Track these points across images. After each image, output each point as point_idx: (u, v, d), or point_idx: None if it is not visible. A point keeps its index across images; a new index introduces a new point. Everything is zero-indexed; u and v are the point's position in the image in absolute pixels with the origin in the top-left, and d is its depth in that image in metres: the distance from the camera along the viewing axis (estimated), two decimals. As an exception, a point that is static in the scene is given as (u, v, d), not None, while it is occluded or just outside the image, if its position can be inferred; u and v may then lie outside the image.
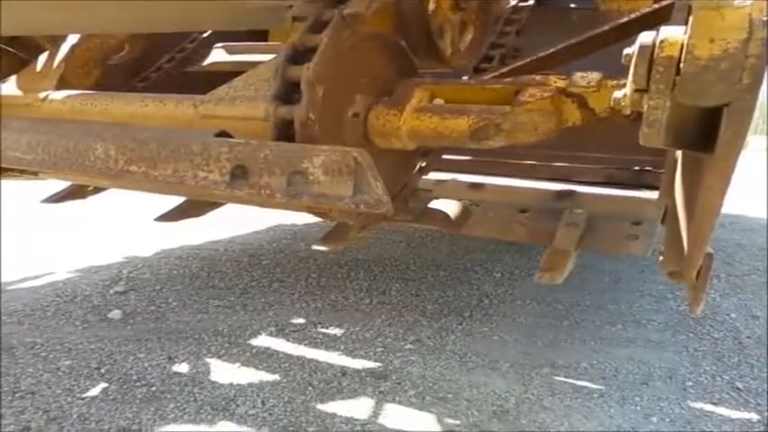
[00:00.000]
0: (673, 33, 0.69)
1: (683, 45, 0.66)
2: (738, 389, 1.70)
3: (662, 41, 0.68)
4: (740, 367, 1.85)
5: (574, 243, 1.35)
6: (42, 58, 1.76)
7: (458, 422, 1.47)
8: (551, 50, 1.45)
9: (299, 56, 1.15)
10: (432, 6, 1.61)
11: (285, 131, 1.14)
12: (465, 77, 1.82)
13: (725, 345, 2.04)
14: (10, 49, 1.91)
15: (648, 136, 0.78)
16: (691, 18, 0.67)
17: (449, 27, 1.75)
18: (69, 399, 1.50)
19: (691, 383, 1.73)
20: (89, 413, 1.44)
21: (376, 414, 1.49)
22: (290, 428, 1.41)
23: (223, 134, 1.18)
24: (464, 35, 1.88)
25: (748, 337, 2.13)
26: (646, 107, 0.74)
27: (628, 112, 0.84)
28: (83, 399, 1.50)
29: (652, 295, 2.55)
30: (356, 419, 1.46)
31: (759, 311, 2.42)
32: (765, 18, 0.62)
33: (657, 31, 0.73)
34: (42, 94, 1.63)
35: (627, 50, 0.77)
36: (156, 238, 3.04)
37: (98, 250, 2.87)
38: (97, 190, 2.16)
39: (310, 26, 1.19)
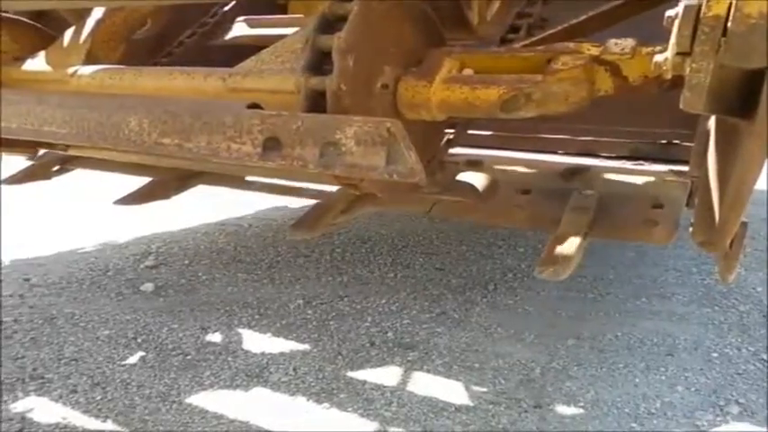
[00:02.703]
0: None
1: (731, 2, 0.66)
2: (764, 360, 1.71)
3: (708, 8, 0.68)
4: (766, 339, 1.85)
5: (582, 231, 1.28)
6: (69, 33, 1.78)
7: (485, 389, 1.50)
8: (582, 18, 1.43)
9: (330, 25, 1.15)
10: (464, -24, 1.59)
11: (316, 103, 1.15)
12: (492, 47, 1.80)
13: (750, 318, 2.04)
14: (37, 25, 1.93)
15: (690, 100, 0.77)
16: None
17: (477, -2, 1.73)
18: (110, 366, 1.56)
19: (716, 355, 1.74)
20: (130, 379, 1.49)
21: (405, 381, 1.53)
22: (323, 394, 1.46)
23: (254, 106, 1.20)
24: (491, 4, 1.86)
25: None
26: (688, 70, 0.73)
27: (669, 76, 0.83)
28: (123, 366, 1.56)
29: (677, 269, 2.54)
30: (386, 386, 1.50)
31: (787, 285, 2.40)
32: None
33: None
34: (71, 70, 1.65)
35: (669, 12, 0.77)
36: (181, 213, 3.08)
37: (125, 226, 2.92)
38: (63, 170, 2.11)
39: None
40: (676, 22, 0.73)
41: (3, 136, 1.77)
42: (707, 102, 0.77)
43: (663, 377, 1.59)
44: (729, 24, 0.66)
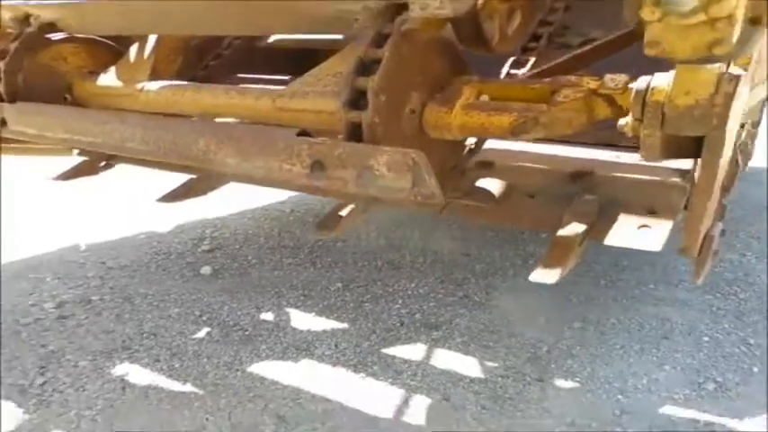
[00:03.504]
0: (660, 82, 0.91)
1: (666, 94, 0.90)
2: (749, 344, 1.95)
3: (652, 89, 0.91)
4: (757, 325, 2.08)
5: (578, 238, 1.43)
6: (134, 49, 2.07)
7: (497, 365, 1.78)
8: (583, 50, 1.65)
9: (365, 68, 1.40)
10: (481, 0, 1.81)
11: (355, 131, 1.40)
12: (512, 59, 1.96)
13: (748, 305, 2.26)
14: (107, 42, 2.22)
15: (647, 154, 1.01)
16: (673, 73, 0.90)
17: (497, 16, 1.94)
18: (183, 339, 1.90)
19: (707, 339, 1.98)
20: (200, 351, 1.83)
21: (428, 357, 1.82)
22: (359, 366, 1.76)
23: (303, 133, 1.48)
24: (512, 21, 2.06)
25: (777, 299, 2.32)
26: (642, 134, 0.97)
27: (630, 135, 1.07)
28: (193, 339, 1.90)
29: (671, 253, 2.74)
30: (412, 360, 1.80)
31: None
32: (729, 76, 0.85)
33: (652, 76, 0.96)
34: (139, 85, 1.96)
35: (631, 84, 1.00)
36: (229, 198, 3.39)
37: (180, 211, 3.25)
38: (108, 165, 2.40)
39: (373, 40, 1.43)
40: (632, 97, 0.96)
41: (87, 149, 2.11)
42: (662, 152, 1.00)
43: (654, 358, 1.85)
44: (665, 110, 0.90)
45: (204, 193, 2.30)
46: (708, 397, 1.66)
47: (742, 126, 2.07)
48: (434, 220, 3.23)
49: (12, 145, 2.24)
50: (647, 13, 0.70)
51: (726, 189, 1.86)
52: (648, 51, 0.82)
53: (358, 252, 2.74)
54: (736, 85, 0.85)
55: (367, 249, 2.77)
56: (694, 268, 1.44)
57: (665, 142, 1.00)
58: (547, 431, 1.51)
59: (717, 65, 0.86)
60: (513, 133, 1.47)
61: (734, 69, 0.89)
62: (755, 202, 3.64)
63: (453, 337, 1.95)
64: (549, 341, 1.93)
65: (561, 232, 1.54)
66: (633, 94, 0.95)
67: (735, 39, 0.70)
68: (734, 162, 1.85)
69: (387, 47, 1.40)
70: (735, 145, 1.83)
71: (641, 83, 0.95)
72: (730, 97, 0.85)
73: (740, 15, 0.68)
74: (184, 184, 2.25)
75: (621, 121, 1.11)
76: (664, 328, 2.05)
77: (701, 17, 0.64)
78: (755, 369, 1.80)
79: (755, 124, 3.28)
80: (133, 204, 3.39)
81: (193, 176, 2.25)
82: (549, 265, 1.43)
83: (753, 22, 0.75)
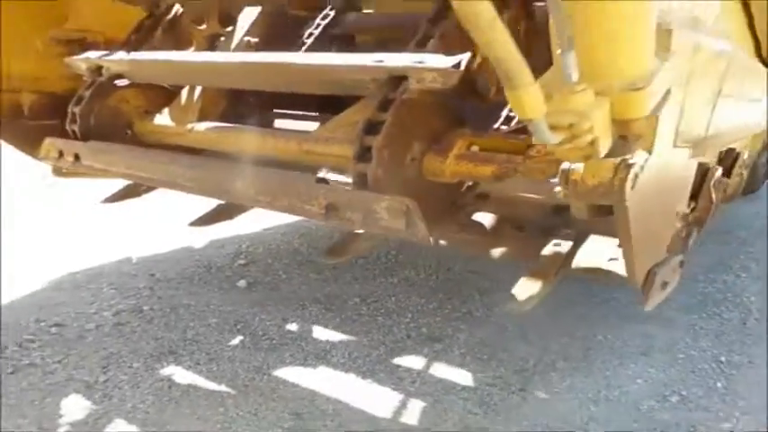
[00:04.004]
0: (578, 165, 1.19)
1: (580, 175, 1.17)
2: (720, 361, 2.18)
3: (572, 170, 1.19)
4: (733, 344, 2.31)
5: (552, 272, 1.72)
6: (184, 93, 2.44)
7: (487, 375, 2.07)
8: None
9: (371, 128, 1.70)
10: (477, 61, 2.10)
11: (362, 179, 1.71)
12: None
13: (730, 325, 2.48)
14: (163, 85, 2.58)
15: (577, 215, 1.30)
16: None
17: (492, 74, 2.23)
18: (220, 346, 2.24)
19: (682, 356, 2.22)
20: (234, 356, 2.17)
21: (428, 367, 2.12)
22: (367, 373, 2.07)
23: (321, 180, 1.80)
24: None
25: (756, 319, 2.55)
26: (570, 201, 1.25)
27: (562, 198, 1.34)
28: (228, 346, 2.24)
29: (684, 277, 2.96)
30: (414, 369, 2.10)
31: (781, 296, 2.78)
32: (625, 164, 1.12)
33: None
34: (189, 126, 2.32)
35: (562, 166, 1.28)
36: (261, 215, 3.73)
37: (219, 227, 3.61)
38: (149, 189, 2.63)
39: (379, 104, 1.73)
40: (558, 175, 1.24)
41: (145, 183, 2.48)
42: (588, 213, 1.28)
43: (630, 372, 2.10)
44: (578, 187, 1.18)
45: (231, 218, 2.66)
46: (670, 408, 1.91)
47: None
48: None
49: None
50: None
51: (699, 223, 2.11)
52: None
53: (377, 269, 3.04)
54: (628, 172, 1.12)
55: (386, 267, 3.08)
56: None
57: (590, 206, 1.28)
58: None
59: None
60: (496, 179, 1.76)
61: (636, 156, 1.16)
62: (763, 224, 3.81)
63: (452, 350, 2.24)
64: (536, 355, 2.20)
65: (537, 267, 1.82)
66: (560, 173, 1.23)
67: (603, 151, 0.98)
68: (707, 200, 2.10)
69: (390, 111, 1.70)
70: (708, 185, 2.10)
71: (565, 165, 1.23)
72: (624, 180, 1.12)
73: (602, 142, 0.95)
74: (214, 210, 2.61)
75: (556, 189, 1.38)
76: (645, 345, 2.29)
77: (569, 146, 0.92)
78: (719, 384, 2.04)
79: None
80: (176, 221, 3.78)
81: (221, 203, 2.60)
82: (523, 294, 1.71)
83: (622, 138, 1.02)
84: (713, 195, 2.10)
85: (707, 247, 3.54)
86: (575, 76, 0.88)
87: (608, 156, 1.09)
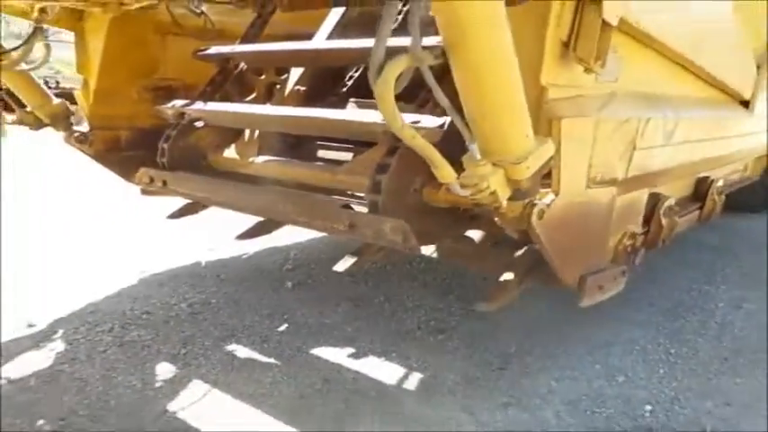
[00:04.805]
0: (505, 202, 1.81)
1: (504, 208, 1.79)
2: (670, 353, 2.73)
3: (500, 207, 1.81)
4: (685, 342, 2.85)
5: (517, 280, 2.26)
6: (247, 133, 3.16)
7: (476, 358, 2.69)
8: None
9: (382, 168, 2.35)
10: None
11: (374, 206, 2.36)
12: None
13: (690, 326, 3.01)
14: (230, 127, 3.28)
15: (516, 235, 1.92)
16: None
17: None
18: (270, 331, 2.94)
19: (638, 348, 2.78)
20: (281, 339, 2.86)
21: (431, 351, 2.75)
22: (383, 354, 2.72)
23: (346, 206, 2.48)
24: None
25: (716, 322, 3.07)
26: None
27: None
28: (277, 332, 2.94)
29: (665, 283, 3.50)
30: (419, 352, 2.74)
31: (748, 304, 3.28)
32: (531, 203, 1.74)
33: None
34: (250, 159, 3.03)
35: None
36: (301, 231, 4.46)
37: (270, 238, 4.34)
38: (205, 207, 3.31)
39: (387, 150, 2.39)
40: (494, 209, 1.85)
41: (215, 205, 3.19)
42: (518, 235, 1.90)
43: (591, 359, 2.68)
44: (504, 218, 1.80)
45: (269, 232, 3.36)
46: (615, 386, 2.48)
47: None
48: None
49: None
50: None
51: (649, 243, 2.67)
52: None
53: (401, 274, 3.70)
54: (532, 209, 1.74)
55: (409, 273, 3.73)
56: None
57: (517, 231, 1.91)
58: (496, 398, 2.39)
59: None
60: (475, 206, 2.39)
61: (546, 198, 1.77)
62: (762, 241, 4.26)
63: (452, 339, 2.87)
64: (518, 344, 2.81)
65: (506, 276, 2.41)
66: (494, 209, 1.84)
67: (503, 198, 1.60)
68: (658, 224, 2.65)
69: (395, 156, 2.35)
70: (659, 212, 2.64)
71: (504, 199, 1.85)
72: (530, 215, 1.74)
73: (500, 194, 1.58)
74: (255, 226, 3.31)
75: (495, 219, 1.99)
76: (611, 339, 2.86)
77: (477, 196, 1.55)
78: (662, 370, 2.60)
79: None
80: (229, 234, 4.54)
81: (261, 219, 3.29)
82: (491, 298, 2.31)
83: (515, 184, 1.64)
84: (662, 221, 2.65)
85: (700, 258, 4.06)
86: (478, 156, 1.53)
87: (524, 197, 1.73)
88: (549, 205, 1.81)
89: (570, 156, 1.84)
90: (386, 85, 1.39)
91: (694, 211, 3.26)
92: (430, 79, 1.45)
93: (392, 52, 1.44)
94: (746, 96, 3.43)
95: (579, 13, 1.74)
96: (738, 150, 3.71)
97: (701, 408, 2.33)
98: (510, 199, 1.69)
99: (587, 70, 1.77)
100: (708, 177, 3.35)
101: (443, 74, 1.55)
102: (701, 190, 3.34)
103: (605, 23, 1.74)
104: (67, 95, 3.50)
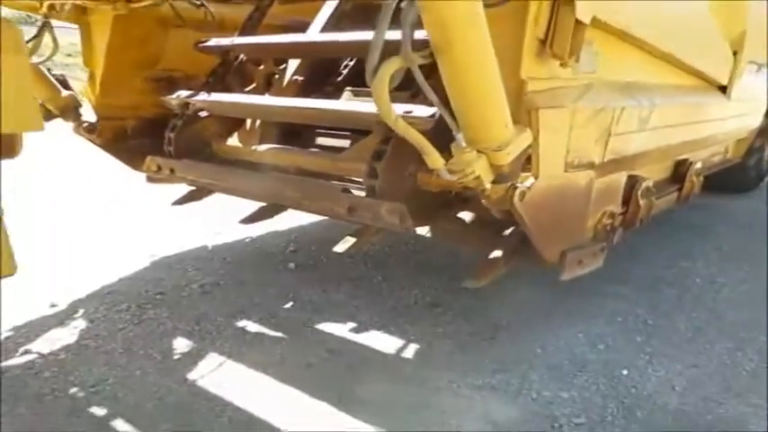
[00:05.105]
0: (489, 185, 2.03)
1: (488, 190, 2.02)
2: (648, 324, 2.99)
3: (486, 189, 2.03)
4: (663, 313, 3.10)
5: (503, 259, 2.48)
6: (248, 122, 3.37)
7: (468, 330, 2.93)
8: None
9: (378, 155, 2.57)
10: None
11: (372, 190, 2.58)
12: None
13: (668, 299, 3.28)
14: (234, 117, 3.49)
15: (497, 216, 2.15)
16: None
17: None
18: (276, 308, 3.18)
19: (620, 319, 3.04)
20: (287, 315, 3.10)
21: (427, 324, 3.00)
22: (383, 327, 2.96)
23: (345, 190, 2.70)
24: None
25: (691, 296, 3.32)
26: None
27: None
28: (283, 309, 3.18)
29: (647, 260, 3.75)
30: (416, 325, 2.99)
31: (722, 279, 3.53)
32: (513, 186, 1.97)
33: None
34: (252, 147, 3.25)
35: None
36: (302, 215, 4.68)
37: (273, 221, 4.56)
38: (209, 192, 3.53)
39: (383, 138, 2.60)
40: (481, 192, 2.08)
41: (220, 191, 3.40)
42: (502, 215, 2.13)
43: (575, 329, 2.93)
44: (488, 199, 2.02)
45: (272, 216, 3.58)
46: (596, 352, 2.73)
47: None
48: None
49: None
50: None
51: (628, 223, 2.88)
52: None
53: (398, 255, 3.94)
54: (514, 191, 1.97)
55: (406, 253, 3.97)
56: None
57: (501, 211, 2.13)
58: (486, 364, 2.63)
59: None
60: (465, 190, 2.61)
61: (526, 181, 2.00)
62: (745, 221, 4.51)
63: (447, 313, 3.11)
64: (509, 316, 3.05)
65: (493, 254, 2.64)
66: (481, 191, 2.06)
67: (487, 182, 1.83)
68: (636, 205, 2.86)
69: (390, 144, 2.57)
70: (636, 193, 2.86)
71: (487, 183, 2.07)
72: (512, 197, 1.97)
73: (485, 178, 1.81)
74: (258, 210, 3.53)
75: (483, 201, 2.21)
76: (595, 311, 3.11)
77: (463, 180, 1.77)
78: (639, 339, 2.85)
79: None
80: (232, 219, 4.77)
81: (264, 204, 3.51)
82: (479, 275, 2.54)
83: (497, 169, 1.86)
84: (640, 202, 2.88)
85: (682, 236, 4.32)
86: (464, 145, 1.76)
87: (506, 181, 1.96)
88: (529, 188, 2.04)
89: (548, 142, 2.07)
90: (381, 84, 1.62)
91: (673, 192, 3.50)
92: (419, 78, 1.67)
93: (386, 45, 1.66)
94: (724, 82, 3.66)
95: (555, 13, 1.96)
96: (717, 134, 3.94)
97: (671, 370, 2.58)
98: (493, 182, 1.92)
99: (563, 65, 2.00)
100: (687, 160, 3.58)
101: (433, 69, 1.78)
102: (680, 172, 3.58)
103: (579, 22, 1.96)
104: (61, 82, 3.63)
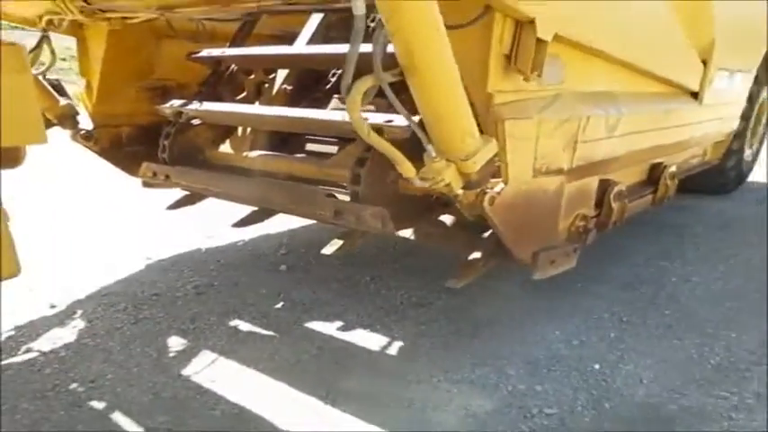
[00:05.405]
0: (460, 191, 2.20)
1: (460, 195, 2.19)
2: (622, 320, 3.17)
3: (458, 195, 2.21)
4: (638, 311, 3.27)
5: (483, 260, 2.70)
6: (240, 129, 3.55)
7: (451, 327, 3.10)
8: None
9: (361, 162, 2.74)
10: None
11: (355, 195, 2.75)
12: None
13: (643, 297, 3.45)
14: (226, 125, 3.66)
15: (471, 218, 2.33)
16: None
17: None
18: (268, 308, 3.35)
19: (596, 317, 3.21)
20: (278, 314, 3.27)
21: (411, 323, 3.17)
22: (369, 326, 3.13)
23: (330, 195, 2.87)
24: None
25: (665, 294, 3.49)
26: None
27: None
28: (275, 309, 3.35)
29: (626, 260, 3.93)
30: (401, 324, 3.16)
31: (696, 278, 3.71)
32: (483, 191, 2.14)
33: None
34: (244, 153, 3.42)
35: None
36: (293, 219, 4.85)
37: (264, 226, 4.73)
38: (201, 197, 3.78)
39: (365, 146, 2.77)
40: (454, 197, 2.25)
41: (212, 196, 3.57)
42: (475, 219, 2.30)
43: (552, 327, 3.10)
44: (461, 204, 2.19)
45: (262, 220, 3.76)
46: (570, 348, 2.91)
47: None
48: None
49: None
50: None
51: (601, 225, 3.05)
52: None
53: (386, 257, 4.11)
54: (483, 196, 2.15)
55: (393, 256, 4.14)
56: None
57: (473, 215, 2.31)
58: (466, 359, 2.80)
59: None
60: (444, 194, 2.78)
61: (496, 187, 2.17)
62: (723, 222, 4.69)
63: (431, 312, 3.29)
64: (490, 315, 3.23)
65: (472, 256, 2.81)
66: (454, 196, 2.23)
67: (457, 188, 2.01)
68: (608, 207, 3.03)
69: (371, 151, 2.74)
70: (609, 196, 3.02)
71: (457, 192, 2.24)
72: (482, 201, 2.14)
73: (454, 185, 1.98)
74: (249, 215, 3.71)
75: (456, 205, 2.38)
76: (572, 310, 3.28)
77: (434, 187, 1.95)
78: (612, 335, 3.03)
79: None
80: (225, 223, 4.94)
81: (255, 209, 3.69)
82: (459, 276, 2.71)
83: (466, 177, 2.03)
84: (612, 205, 3.05)
85: (661, 237, 4.50)
86: (434, 155, 1.93)
87: (476, 187, 2.14)
88: (499, 193, 2.22)
89: (515, 150, 2.24)
90: (353, 101, 1.80)
91: (648, 194, 3.68)
92: (390, 95, 1.85)
93: (364, 58, 1.83)
94: (695, 89, 3.84)
95: (518, 31, 2.14)
96: (691, 138, 4.12)
97: (640, 364, 2.76)
98: (464, 188, 2.09)
99: (525, 79, 2.17)
100: (661, 163, 3.76)
101: (405, 85, 1.95)
102: (654, 175, 3.76)
103: (540, 40, 2.14)
104: (57, 87, 3.79)
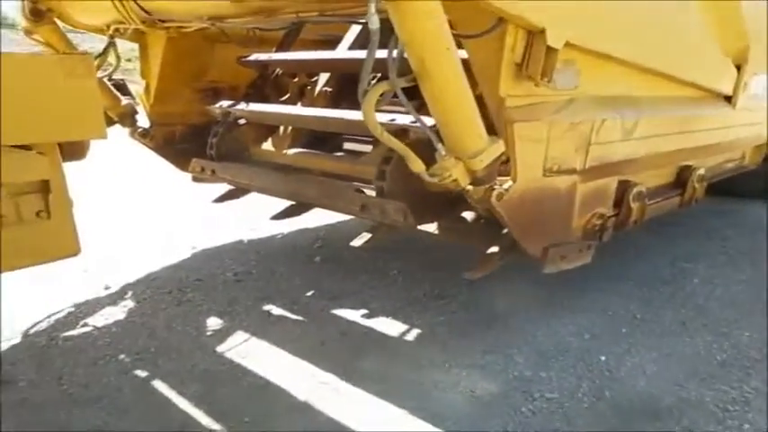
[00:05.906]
0: (470, 187, 2.37)
1: (470, 191, 2.36)
2: (636, 318, 3.26)
3: (469, 191, 2.38)
4: (654, 309, 3.37)
5: (500, 254, 2.84)
6: (281, 128, 3.79)
7: (465, 316, 3.27)
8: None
9: (386, 160, 2.94)
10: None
11: (381, 191, 2.94)
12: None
13: (661, 297, 3.53)
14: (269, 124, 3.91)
15: (483, 213, 2.49)
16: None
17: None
18: (300, 295, 3.59)
19: (611, 313, 3.32)
20: (308, 302, 3.51)
21: (431, 312, 3.35)
22: (391, 315, 3.33)
23: (358, 191, 3.08)
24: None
25: (684, 294, 3.55)
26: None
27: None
28: (307, 296, 3.59)
29: (650, 260, 4.00)
30: (422, 314, 3.35)
31: (719, 280, 3.75)
32: (491, 187, 2.31)
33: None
34: (283, 151, 3.66)
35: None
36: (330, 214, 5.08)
37: (301, 219, 4.98)
38: (245, 192, 4.05)
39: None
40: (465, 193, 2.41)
41: (255, 191, 3.83)
42: (486, 213, 2.46)
43: (567, 320, 3.23)
44: (471, 198, 2.36)
45: (299, 214, 3.99)
46: (582, 341, 3.03)
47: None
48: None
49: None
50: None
51: (620, 224, 3.15)
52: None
53: (415, 252, 4.29)
54: (492, 192, 2.31)
55: (422, 250, 4.32)
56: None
57: (484, 210, 2.47)
58: (478, 347, 2.96)
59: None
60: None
61: (505, 184, 2.33)
62: (755, 225, 4.68)
63: (451, 304, 3.46)
64: (507, 307, 3.38)
65: (490, 250, 2.96)
66: (465, 192, 2.40)
67: (464, 184, 2.18)
68: (627, 208, 3.13)
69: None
70: (628, 197, 3.12)
71: (468, 188, 2.40)
72: (489, 197, 2.31)
73: (462, 181, 2.16)
74: (286, 209, 3.95)
75: (469, 200, 2.54)
76: (589, 305, 3.40)
77: (443, 183, 2.13)
78: (624, 330, 3.13)
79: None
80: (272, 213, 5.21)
81: (292, 203, 3.92)
82: (477, 269, 2.87)
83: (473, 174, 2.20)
84: (632, 205, 3.15)
85: (689, 239, 4.53)
86: (444, 153, 2.12)
87: (484, 183, 2.30)
88: (507, 189, 2.38)
89: (525, 150, 2.40)
90: (369, 105, 2.00)
91: (674, 196, 3.74)
92: (403, 99, 2.04)
93: (379, 63, 2.03)
94: (728, 93, 3.87)
95: (530, 40, 2.30)
96: (724, 142, 4.14)
97: (646, 357, 2.87)
98: (473, 184, 2.27)
99: (536, 85, 2.32)
100: (690, 166, 3.81)
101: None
102: (682, 177, 3.82)
103: (550, 48, 2.29)
104: (121, 86, 4.12)
